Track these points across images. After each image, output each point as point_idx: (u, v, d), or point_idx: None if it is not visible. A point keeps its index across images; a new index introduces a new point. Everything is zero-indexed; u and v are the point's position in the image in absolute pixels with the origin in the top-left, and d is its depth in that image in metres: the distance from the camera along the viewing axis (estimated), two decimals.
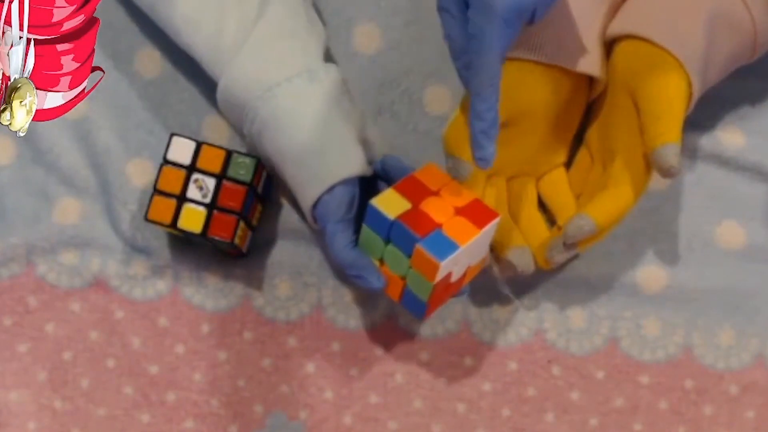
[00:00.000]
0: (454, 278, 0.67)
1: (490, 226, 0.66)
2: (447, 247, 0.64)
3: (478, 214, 0.66)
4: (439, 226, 0.65)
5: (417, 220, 0.65)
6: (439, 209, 0.66)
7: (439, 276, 0.64)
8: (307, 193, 0.70)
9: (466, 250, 0.65)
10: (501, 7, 0.61)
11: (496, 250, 0.73)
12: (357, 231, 0.69)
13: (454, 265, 0.66)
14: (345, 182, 0.69)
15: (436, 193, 0.67)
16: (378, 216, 0.65)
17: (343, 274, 0.74)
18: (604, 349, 0.76)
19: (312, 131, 0.70)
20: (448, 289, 0.68)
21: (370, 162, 0.72)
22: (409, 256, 0.65)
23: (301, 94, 0.70)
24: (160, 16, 0.74)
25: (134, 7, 0.76)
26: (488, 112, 0.63)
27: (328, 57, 0.76)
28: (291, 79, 0.70)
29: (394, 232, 0.66)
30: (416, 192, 0.67)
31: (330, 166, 0.70)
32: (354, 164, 0.70)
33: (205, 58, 0.73)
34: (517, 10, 0.61)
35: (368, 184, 0.72)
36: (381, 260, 0.68)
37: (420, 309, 0.68)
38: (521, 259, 0.72)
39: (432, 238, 0.64)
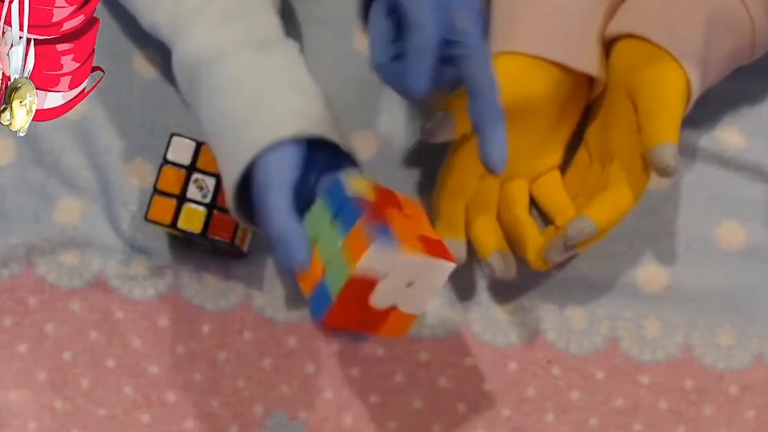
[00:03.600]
0: (374, 299, 0.61)
1: (441, 263, 0.61)
2: (387, 240, 0.59)
3: (436, 247, 0.62)
4: (392, 227, 0.61)
5: (374, 210, 0.61)
6: (402, 222, 0.62)
7: (362, 264, 0.59)
8: (239, 159, 0.65)
9: (402, 263, 0.60)
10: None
11: (478, 252, 0.73)
12: (300, 209, 0.64)
13: (382, 268, 0.60)
14: (290, 145, 0.65)
15: (408, 216, 0.64)
16: (339, 188, 0.62)
17: (272, 245, 0.66)
18: (604, 349, 0.76)
19: (254, 98, 0.66)
20: (361, 313, 0.62)
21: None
22: (346, 234, 0.60)
23: (247, 64, 0.68)
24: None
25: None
26: (491, 108, 0.61)
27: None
28: (238, 47, 0.68)
29: (345, 208, 0.61)
30: (390, 200, 0.64)
31: (268, 126, 0.65)
32: (299, 125, 0.65)
33: (166, 34, 0.71)
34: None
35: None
36: (314, 241, 0.62)
37: (323, 307, 0.61)
38: (501, 264, 0.72)
39: (377, 226, 0.59)
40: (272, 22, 0.71)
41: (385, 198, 0.64)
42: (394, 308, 0.63)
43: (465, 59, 0.60)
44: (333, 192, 0.63)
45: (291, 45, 0.71)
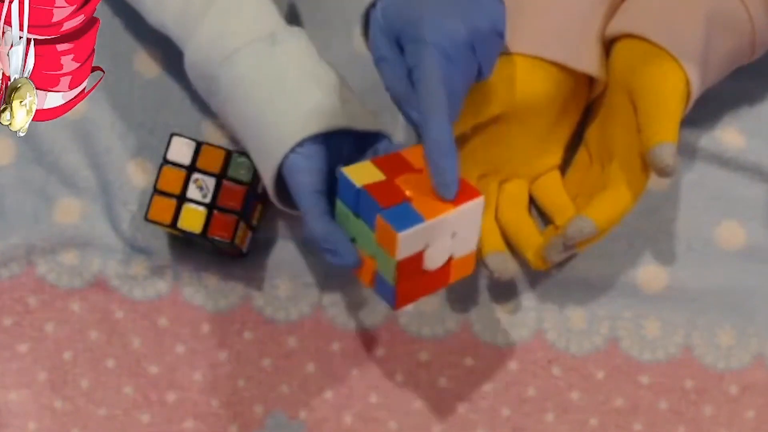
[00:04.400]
0: (429, 264, 0.62)
1: (469, 206, 0.62)
2: (410, 219, 0.59)
3: (459, 191, 0.62)
4: (409, 199, 0.61)
5: (385, 192, 0.61)
6: (415, 184, 0.62)
7: (401, 251, 0.60)
8: (269, 161, 0.67)
9: (437, 227, 0.61)
10: (430, 37, 0.60)
11: (479, 252, 0.73)
12: (334, 203, 0.65)
13: (421, 243, 0.61)
14: (313, 143, 0.66)
15: (418, 171, 0.63)
16: (347, 185, 0.62)
17: (318, 250, 0.67)
18: (604, 349, 0.76)
19: (273, 93, 0.67)
20: (425, 279, 0.63)
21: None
22: (375, 229, 0.61)
23: (262, 58, 0.68)
24: None
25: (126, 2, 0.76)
26: (441, 135, 0.60)
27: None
28: (251, 43, 0.68)
29: (360, 203, 0.61)
30: (395, 167, 0.63)
31: (295, 124, 0.66)
32: (325, 119, 0.66)
33: (174, 33, 0.71)
34: (450, 41, 0.61)
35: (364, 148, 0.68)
36: (354, 239, 0.64)
37: (389, 293, 0.63)
38: (498, 264, 0.72)
39: (396, 209, 0.60)
40: (275, 11, 0.71)
41: (392, 166, 0.63)
42: (450, 259, 0.64)
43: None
44: (343, 189, 0.63)
45: (298, 32, 0.71)
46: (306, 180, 0.65)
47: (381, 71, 0.64)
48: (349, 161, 0.66)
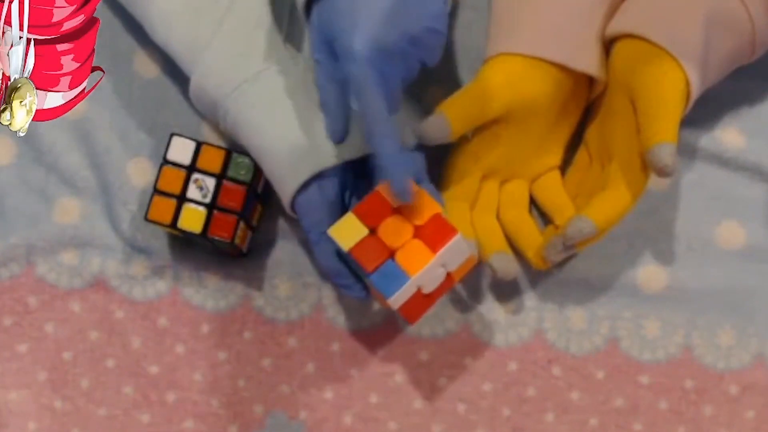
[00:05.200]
0: (428, 290, 0.67)
1: (449, 246, 0.65)
2: (397, 280, 0.64)
3: (435, 233, 0.65)
4: (393, 254, 0.65)
5: (370, 251, 0.65)
6: (396, 231, 0.65)
7: (397, 304, 0.65)
8: (283, 190, 0.69)
9: (423, 275, 0.65)
10: (360, 48, 0.60)
11: (480, 252, 0.73)
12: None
13: (413, 289, 0.65)
14: (321, 179, 0.68)
15: (396, 211, 0.66)
16: (337, 245, 0.66)
17: (331, 281, 0.74)
18: (604, 349, 0.76)
19: (281, 126, 0.69)
20: (430, 296, 0.68)
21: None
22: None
23: (270, 88, 0.69)
24: (137, 11, 0.73)
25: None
26: (385, 149, 0.62)
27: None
28: (259, 74, 0.69)
29: (351, 262, 0.66)
30: (376, 212, 0.66)
31: (300, 160, 0.68)
32: (325, 156, 0.68)
33: (179, 56, 0.72)
34: (380, 49, 0.61)
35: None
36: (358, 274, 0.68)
37: (404, 318, 0.68)
38: (501, 264, 0.72)
39: (382, 270, 0.65)
40: (279, 37, 0.72)
41: (372, 213, 0.66)
42: (448, 273, 0.68)
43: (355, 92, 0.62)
44: (336, 247, 0.66)
45: (299, 58, 0.72)
46: (313, 219, 0.68)
47: (315, 71, 0.65)
48: (356, 180, 0.70)
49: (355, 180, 0.70)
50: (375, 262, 0.65)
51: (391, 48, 0.61)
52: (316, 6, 0.64)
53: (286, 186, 0.69)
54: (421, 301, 0.67)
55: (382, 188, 0.66)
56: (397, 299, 0.65)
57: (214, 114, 0.72)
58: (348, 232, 0.65)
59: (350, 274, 0.69)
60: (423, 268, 0.65)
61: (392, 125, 0.62)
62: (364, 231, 0.65)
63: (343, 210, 0.69)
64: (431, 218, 0.65)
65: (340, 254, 0.68)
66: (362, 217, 0.65)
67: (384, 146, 0.62)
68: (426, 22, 0.63)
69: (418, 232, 0.66)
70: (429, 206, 0.66)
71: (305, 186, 0.68)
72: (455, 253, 0.66)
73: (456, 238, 0.65)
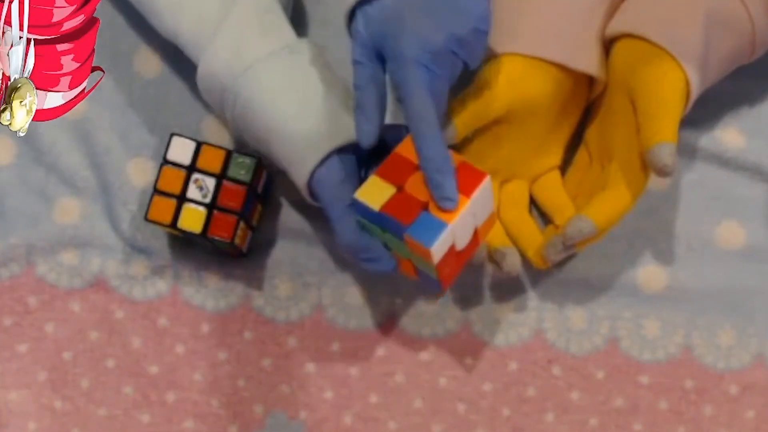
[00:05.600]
0: (460, 246, 0.66)
1: (480, 190, 0.64)
2: (435, 228, 0.63)
3: (465, 179, 0.64)
4: (425, 205, 0.63)
5: (402, 205, 0.63)
6: (424, 185, 0.64)
7: (437, 257, 0.63)
8: (300, 169, 0.68)
9: (459, 222, 0.64)
10: (410, 53, 0.61)
11: (482, 251, 0.73)
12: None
13: (450, 240, 0.64)
14: (340, 153, 0.68)
15: (418, 167, 0.65)
16: (365, 209, 0.64)
17: (345, 259, 0.72)
18: (604, 349, 0.76)
19: (297, 105, 0.68)
20: (460, 256, 0.67)
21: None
22: (406, 243, 0.64)
23: (284, 68, 0.69)
24: (143, 4, 0.73)
25: (134, 6, 0.76)
26: (436, 153, 0.62)
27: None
28: (272, 54, 0.69)
29: (384, 223, 0.64)
30: (399, 171, 0.65)
31: (319, 136, 0.67)
32: (344, 132, 0.67)
33: (188, 42, 0.71)
34: (430, 52, 0.62)
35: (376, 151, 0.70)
36: (385, 244, 0.67)
37: (435, 285, 0.67)
38: (507, 259, 0.72)
39: (419, 222, 0.63)
40: (287, 21, 0.72)
41: (395, 172, 0.65)
42: (475, 230, 0.67)
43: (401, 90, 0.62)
44: (363, 212, 0.65)
45: (309, 42, 0.71)
46: (334, 194, 0.67)
47: (354, 71, 0.65)
48: (370, 159, 0.69)
49: (368, 159, 0.69)
50: (411, 215, 0.63)
51: (439, 50, 0.62)
52: (360, 10, 0.64)
53: (304, 163, 0.68)
54: (454, 261, 0.66)
55: (401, 149, 0.65)
56: (437, 250, 0.63)
57: (221, 102, 0.71)
58: (375, 193, 0.64)
59: (375, 247, 0.66)
60: (459, 214, 0.63)
61: (439, 128, 0.63)
62: (391, 189, 0.64)
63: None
64: (458, 166, 0.65)
65: (363, 228, 0.67)
66: (387, 178, 0.65)
67: (433, 149, 0.62)
68: (473, 24, 0.63)
69: None
70: (453, 156, 0.65)
71: (323, 161, 0.67)
72: (485, 200, 0.66)
73: (487, 180, 0.64)
